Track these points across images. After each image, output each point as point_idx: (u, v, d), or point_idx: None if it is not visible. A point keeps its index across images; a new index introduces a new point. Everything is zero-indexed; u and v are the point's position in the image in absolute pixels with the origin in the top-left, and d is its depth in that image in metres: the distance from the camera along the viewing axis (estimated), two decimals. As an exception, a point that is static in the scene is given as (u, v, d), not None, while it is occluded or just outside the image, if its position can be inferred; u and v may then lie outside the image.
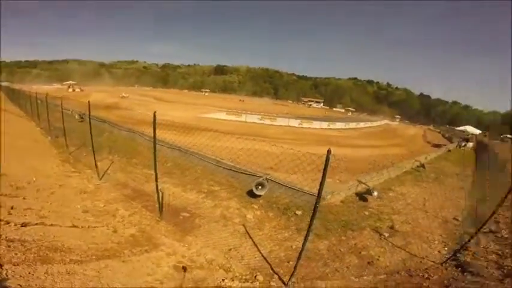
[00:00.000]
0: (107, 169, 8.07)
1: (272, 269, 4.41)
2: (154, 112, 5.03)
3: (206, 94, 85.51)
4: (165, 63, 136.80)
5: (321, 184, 3.47)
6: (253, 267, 4.42)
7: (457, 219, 7.11)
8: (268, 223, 5.98)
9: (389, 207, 7.54)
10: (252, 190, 6.99)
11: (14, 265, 2.84)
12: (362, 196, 7.75)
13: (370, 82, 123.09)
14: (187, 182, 7.66)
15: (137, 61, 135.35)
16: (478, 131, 34.21)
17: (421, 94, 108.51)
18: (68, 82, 55.49)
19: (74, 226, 4.51)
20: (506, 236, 5.72)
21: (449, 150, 23.49)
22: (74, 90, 49.22)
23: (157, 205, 5.61)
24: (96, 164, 7.55)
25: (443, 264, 4.74)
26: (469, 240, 4.90)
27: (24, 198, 4.93)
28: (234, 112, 28.18)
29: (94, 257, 3.67)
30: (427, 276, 4.35)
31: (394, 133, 39.76)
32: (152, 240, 4.75)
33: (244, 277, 4.16)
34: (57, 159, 8.67)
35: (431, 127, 72.19)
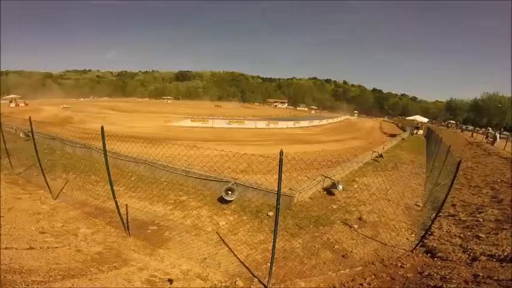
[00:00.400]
0: (62, 188, 7.41)
1: (251, 273, 4.39)
2: (102, 126, 4.76)
3: (169, 102, 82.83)
4: (121, 71, 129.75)
5: (278, 185, 3.57)
6: (231, 273, 4.36)
7: (418, 205, 7.69)
8: (242, 227, 5.95)
9: (355, 198, 7.93)
10: (222, 196, 6.92)
11: None
12: (329, 190, 8.08)
13: (328, 81, 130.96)
14: (154, 194, 7.33)
15: (89, 70, 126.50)
16: (425, 119, 38.21)
17: (374, 89, 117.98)
18: (9, 96, 49.66)
19: (32, 248, 4.14)
20: (464, 218, 6.16)
21: (403, 139, 25.72)
22: (17, 105, 44.18)
23: (121, 221, 5.28)
24: (47, 183, 6.89)
25: (414, 251, 5.02)
26: (431, 226, 5.28)
27: None
28: (199, 118, 27.68)
29: (59, 277, 3.41)
30: (400, 264, 4.56)
31: (354, 127, 42.47)
32: (121, 256, 4.47)
33: (223, 284, 4.10)
34: (2, 182, 7.75)
35: (385, 118, 78.82)
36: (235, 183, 7.20)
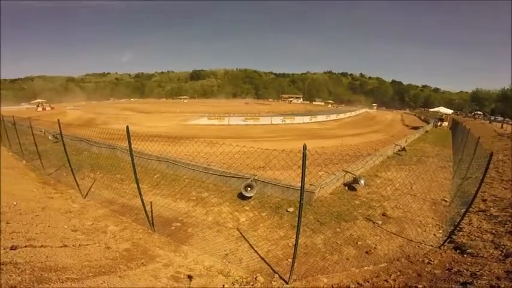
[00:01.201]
0: (91, 187, 7.79)
1: (272, 269, 4.40)
2: (127, 126, 4.93)
3: (185, 101, 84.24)
4: (138, 73, 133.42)
5: (302, 180, 3.53)
6: (252, 269, 4.40)
7: (446, 200, 7.34)
8: (262, 223, 5.97)
9: (378, 194, 7.71)
10: (241, 192, 6.97)
11: (11, 287, 2.77)
12: (350, 186, 7.91)
13: (344, 74, 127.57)
14: (177, 192, 7.52)
15: (108, 73, 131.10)
16: (450, 111, 36.29)
17: (393, 81, 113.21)
18: (36, 101, 52.50)
19: (65, 246, 4.35)
20: (495, 214, 5.82)
21: (427, 131, 24.64)
22: (44, 109, 46.71)
23: (146, 218, 5.47)
24: (77, 183, 7.27)
25: (442, 247, 4.82)
26: (460, 221, 5.04)
27: (7, 223, 4.69)
28: (216, 116, 27.98)
29: (91, 274, 3.55)
30: (427, 261, 4.40)
31: (374, 120, 41.17)
32: (147, 253, 4.63)
33: (244, 280, 4.15)
34: (35, 182, 8.25)
35: (407, 111, 75.74)
36: (254, 179, 7.23)
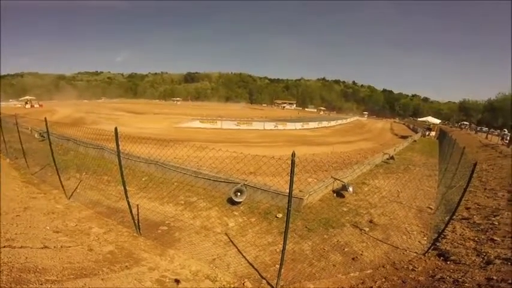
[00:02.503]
0: (76, 188, 7.59)
1: (259, 275, 4.39)
2: (116, 128, 4.86)
3: (178, 103, 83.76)
4: (131, 73, 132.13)
5: (290, 186, 3.56)
6: (240, 274, 4.38)
7: (431, 208, 7.53)
8: (250, 229, 5.96)
9: (365, 201, 7.81)
10: (231, 198, 6.94)
11: None
12: (339, 193, 8.00)
13: (337, 81, 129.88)
14: (165, 195, 7.43)
15: (101, 72, 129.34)
16: (438, 121, 37.35)
17: (384, 90, 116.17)
18: (24, 98, 51.21)
19: (46, 247, 4.24)
20: (478, 221, 5.98)
21: (415, 141, 25.21)
22: (32, 106, 45.54)
23: (132, 221, 5.37)
24: (62, 183, 7.08)
25: (426, 254, 4.93)
26: (444, 229, 5.16)
27: None
28: (208, 120, 27.89)
29: (71, 276, 3.47)
30: (412, 267, 4.49)
31: (364, 128, 41.95)
32: (132, 256, 4.54)
33: (232, 285, 4.12)
34: (18, 182, 8.01)
35: (396, 120, 77.55)
36: (244, 184, 7.22)
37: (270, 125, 29.54)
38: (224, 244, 5.28)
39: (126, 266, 4.18)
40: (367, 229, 6.12)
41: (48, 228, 5.17)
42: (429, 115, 43.52)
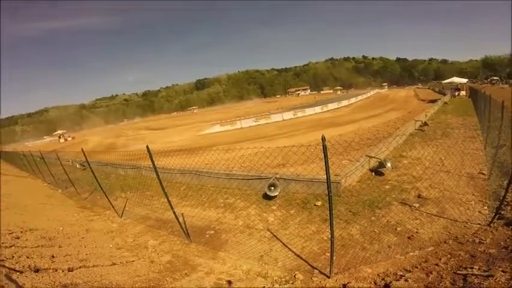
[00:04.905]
0: (125, 206, 8.11)
1: (310, 265, 4.35)
2: (147, 146, 5.13)
3: (195, 111, 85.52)
4: (145, 91, 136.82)
5: (327, 172, 3.46)
6: (289, 267, 4.38)
7: (483, 173, 6.90)
8: (291, 221, 5.95)
9: (408, 175, 7.40)
10: (266, 193, 6.99)
11: None
12: (377, 171, 7.68)
13: (346, 59, 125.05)
14: (204, 201, 7.66)
15: (116, 95, 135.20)
16: (464, 80, 34.74)
17: (398, 58, 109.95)
18: (57, 132, 55.20)
19: (114, 264, 4.56)
20: None
21: (446, 103, 23.66)
22: (66, 140, 49.00)
23: (181, 230, 5.62)
24: (112, 204, 7.63)
25: (491, 225, 4.53)
26: (505, 195, 4.67)
27: (59, 247, 5.02)
28: (227, 122, 28.22)
29: None
30: (478, 240, 4.13)
31: (387, 99, 40.04)
32: (188, 263, 4.76)
33: (283, 279, 4.13)
34: (74, 208, 8.77)
35: (419, 86, 73.26)
36: (276, 178, 7.23)
37: (288, 115, 29.18)
38: (268, 240, 5.31)
39: (186, 274, 4.39)
40: (417, 205, 5.78)
41: (111, 246, 5.58)
42: (453, 76, 40.64)
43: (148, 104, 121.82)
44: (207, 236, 5.82)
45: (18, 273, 3.50)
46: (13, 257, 4.08)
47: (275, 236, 5.38)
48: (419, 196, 6.16)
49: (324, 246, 4.80)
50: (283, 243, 5.08)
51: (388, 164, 7.45)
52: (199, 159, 7.74)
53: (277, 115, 29.25)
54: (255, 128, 25.14)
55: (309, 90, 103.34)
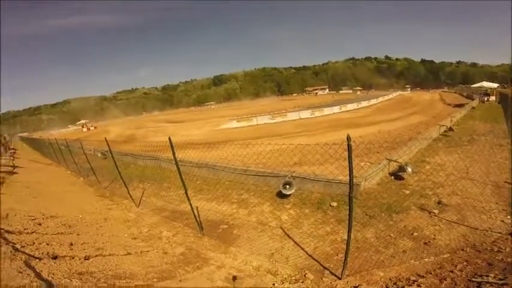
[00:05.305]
0: (142, 196, 8.35)
1: (321, 265, 4.32)
2: (169, 138, 5.22)
3: (213, 107, 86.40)
4: (165, 85, 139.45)
5: (350, 173, 3.41)
6: (300, 266, 4.36)
7: (509, 183, 6.53)
8: (305, 220, 5.90)
9: (429, 181, 7.17)
10: (280, 191, 6.95)
11: None
12: (397, 175, 7.46)
13: (368, 59, 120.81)
14: (219, 195, 7.75)
15: (136, 88, 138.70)
16: (495, 85, 32.73)
17: (423, 60, 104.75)
18: (80, 122, 57.71)
19: (129, 253, 4.68)
20: None
21: (474, 108, 22.44)
22: (88, 129, 51.22)
23: (196, 222, 5.72)
24: (130, 194, 7.88)
25: None
26: None
27: (78, 234, 5.19)
28: (244, 118, 28.32)
29: (155, 280, 3.79)
30: (497, 249, 4.02)
31: (410, 102, 38.56)
32: (200, 256, 4.84)
33: (293, 278, 4.13)
34: (94, 196, 9.12)
35: (445, 89, 69.95)
36: (292, 176, 7.17)
37: (305, 114, 28.80)
38: (280, 238, 5.31)
39: (198, 266, 4.46)
40: (436, 211, 5.60)
41: (126, 235, 5.76)
42: (482, 80, 38.35)
43: (167, 98, 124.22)
44: (220, 230, 5.90)
45: (37, 260, 3.59)
46: (34, 243, 4.21)
47: (287, 235, 5.37)
48: (439, 202, 5.97)
49: (337, 247, 4.74)
50: (295, 242, 5.06)
51: (409, 169, 7.21)
52: (215, 153, 7.83)
53: (294, 113, 28.99)
54: (272, 125, 25.06)
55: (327, 90, 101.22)
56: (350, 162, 3.37)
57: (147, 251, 4.94)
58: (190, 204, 5.42)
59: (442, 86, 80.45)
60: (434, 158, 8.91)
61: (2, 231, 4.41)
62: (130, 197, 7.91)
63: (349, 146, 3.24)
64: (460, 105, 25.16)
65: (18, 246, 3.89)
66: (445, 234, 4.76)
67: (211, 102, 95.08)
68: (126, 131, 35.23)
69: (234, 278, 4.15)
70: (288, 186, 6.96)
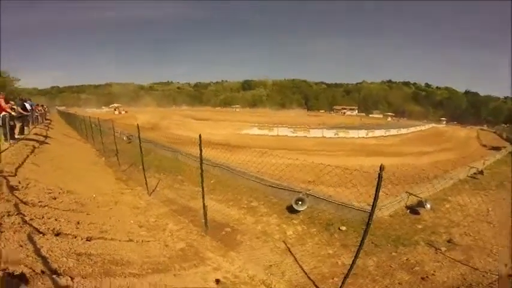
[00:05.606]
0: (156, 186, 8.61)
1: (315, 285, 4.28)
2: (200, 135, 5.41)
3: (237, 110, 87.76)
4: (197, 82, 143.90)
5: (374, 201, 3.36)
6: (295, 283, 4.33)
7: None
8: (310, 239, 5.82)
9: (446, 219, 6.89)
10: (291, 205, 6.90)
11: (83, 278, 3.02)
12: (413, 209, 7.17)
13: (406, 83, 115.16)
14: (229, 198, 7.84)
15: (171, 82, 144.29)
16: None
17: (467, 91, 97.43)
18: (113, 105, 61.19)
19: (130, 240, 4.81)
20: None
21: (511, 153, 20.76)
22: (120, 113, 54.22)
23: (203, 221, 5.83)
24: (146, 181, 8.10)
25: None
26: None
27: (87, 214, 5.38)
28: (266, 127, 28.49)
29: (150, 271, 3.85)
30: None
31: (442, 137, 36.58)
32: (199, 255, 4.91)
33: None
34: (112, 178, 9.53)
35: (484, 127, 65.06)
36: (306, 193, 7.11)
37: (329, 133, 28.34)
38: (281, 252, 5.28)
39: (194, 265, 4.53)
40: (444, 249, 5.41)
41: (132, 222, 5.94)
42: (530, 122, 35.29)
43: (198, 95, 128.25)
44: (224, 233, 5.96)
45: (40, 235, 3.61)
46: (43, 217, 4.25)
47: (289, 250, 5.33)
48: (449, 241, 5.78)
49: (335, 271, 4.67)
50: (295, 258, 5.03)
51: (428, 205, 6.93)
52: (232, 156, 7.94)
53: (318, 130, 28.68)
54: (292, 138, 24.97)
55: (356, 111, 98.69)
56: (377, 190, 3.32)
57: (149, 241, 5.05)
58: (204, 203, 5.54)
59: (482, 122, 74.67)
60: (456, 198, 8.47)
61: (18, 201, 4.51)
62: (146, 184, 8.13)
63: (379, 176, 3.19)
64: (497, 148, 23.41)
65: (27, 218, 3.98)
66: (445, 272, 4.65)
67: (237, 106, 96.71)
68: (151, 120, 36.71)
69: (233, 283, 4.18)
70: (300, 203, 6.89)
